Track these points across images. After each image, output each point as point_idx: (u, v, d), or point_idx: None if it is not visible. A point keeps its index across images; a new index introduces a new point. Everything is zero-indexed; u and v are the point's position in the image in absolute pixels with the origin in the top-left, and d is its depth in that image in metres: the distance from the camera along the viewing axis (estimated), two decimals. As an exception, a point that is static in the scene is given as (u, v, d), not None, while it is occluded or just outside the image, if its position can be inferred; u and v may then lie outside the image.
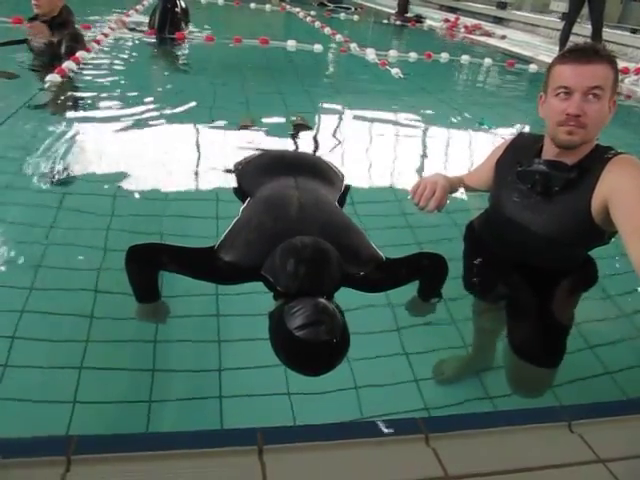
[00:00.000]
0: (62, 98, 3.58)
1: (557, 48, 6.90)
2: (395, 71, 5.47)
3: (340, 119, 3.88)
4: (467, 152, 3.56)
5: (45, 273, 1.86)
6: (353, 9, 11.25)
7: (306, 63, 6.02)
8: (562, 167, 1.42)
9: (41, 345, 1.60)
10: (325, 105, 4.31)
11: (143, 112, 3.48)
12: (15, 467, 0.97)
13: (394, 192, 2.75)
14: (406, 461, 1.08)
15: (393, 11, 10.81)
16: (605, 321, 1.95)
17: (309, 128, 3.23)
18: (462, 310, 1.84)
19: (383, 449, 1.10)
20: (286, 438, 1.10)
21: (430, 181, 1.58)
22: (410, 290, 1.67)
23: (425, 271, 1.62)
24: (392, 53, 6.42)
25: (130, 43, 5.54)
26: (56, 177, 2.49)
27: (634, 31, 8.96)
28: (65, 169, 2.58)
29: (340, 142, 3.37)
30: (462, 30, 9.77)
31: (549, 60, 1.53)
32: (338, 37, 7.15)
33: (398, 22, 10.01)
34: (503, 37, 9.19)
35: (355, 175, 2.72)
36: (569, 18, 7.04)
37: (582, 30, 7.49)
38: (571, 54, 1.36)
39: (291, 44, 6.24)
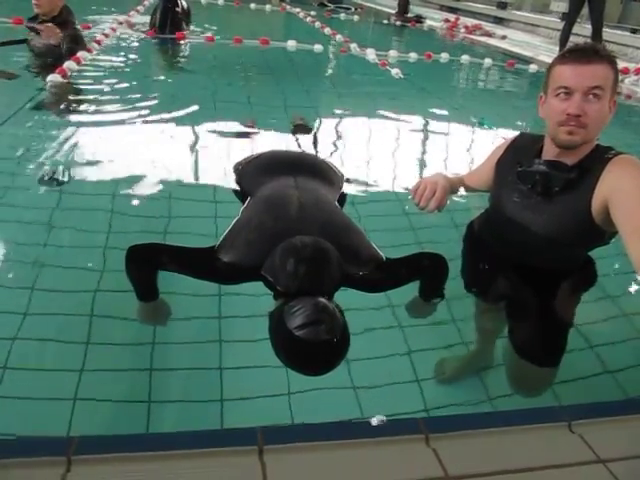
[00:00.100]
0: (63, 98, 3.58)
1: (557, 48, 6.90)
2: (395, 71, 5.47)
3: (340, 119, 3.88)
4: (467, 152, 3.56)
5: (45, 273, 1.86)
6: (353, 9, 11.25)
7: (306, 63, 6.02)
8: (562, 167, 1.42)
9: (41, 345, 1.60)
10: (325, 105, 4.31)
11: (143, 112, 3.48)
12: (15, 467, 0.97)
13: (394, 192, 2.75)
14: (406, 461, 1.09)
15: (393, 11, 10.81)
16: (605, 321, 1.95)
17: (309, 128, 3.24)
18: (462, 310, 1.84)
19: (383, 449, 1.10)
20: (286, 438, 1.11)
21: (430, 181, 1.58)
22: (411, 290, 1.67)
23: (425, 271, 1.62)
24: (392, 53, 6.42)
25: (131, 43, 5.54)
26: (56, 177, 2.49)
27: (634, 31, 8.96)
28: (65, 169, 2.58)
29: (340, 142, 3.37)
30: (462, 30, 9.77)
31: (549, 60, 1.53)
32: (338, 37, 7.15)
33: (398, 22, 10.00)
34: (503, 37, 9.19)
35: (355, 175, 2.73)
36: (569, 18, 7.04)
37: (582, 30, 7.49)
38: (571, 54, 1.36)
39: (291, 44, 6.24)
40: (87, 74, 4.11)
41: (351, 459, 1.08)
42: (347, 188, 2.06)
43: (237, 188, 1.89)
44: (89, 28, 5.56)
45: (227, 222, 1.57)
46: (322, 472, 1.05)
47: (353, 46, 6.56)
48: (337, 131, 3.60)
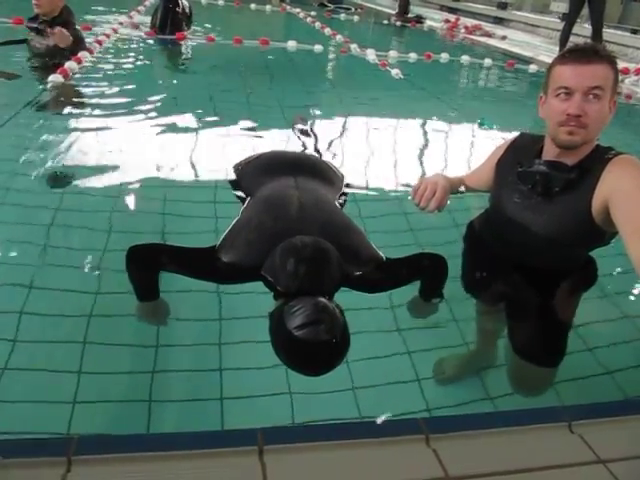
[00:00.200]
0: (64, 99, 3.58)
1: (557, 48, 6.90)
2: (395, 72, 5.47)
3: (340, 119, 3.88)
4: (467, 152, 3.56)
5: (45, 273, 1.86)
6: (353, 10, 11.25)
7: (306, 64, 6.02)
8: (562, 168, 1.42)
9: (41, 346, 1.60)
10: (325, 105, 4.31)
11: (144, 112, 3.49)
12: (16, 468, 0.97)
13: (394, 192, 2.75)
14: (407, 462, 1.08)
15: (393, 12, 10.81)
16: (605, 321, 1.95)
17: (309, 128, 3.23)
18: (463, 309, 1.84)
19: (384, 449, 1.10)
20: (286, 438, 1.11)
21: (431, 181, 1.58)
22: (411, 290, 1.67)
23: (425, 271, 1.62)
24: (392, 54, 6.41)
25: (131, 44, 5.54)
26: (57, 177, 2.49)
27: (634, 31, 8.96)
28: (66, 169, 2.58)
29: (340, 142, 3.37)
30: (462, 31, 9.77)
31: (549, 60, 1.53)
32: (338, 38, 7.15)
33: (398, 23, 10.00)
34: (503, 37, 9.19)
35: (355, 175, 2.73)
36: (569, 18, 7.04)
37: (582, 30, 7.49)
38: (571, 54, 1.37)
39: (291, 45, 6.24)
40: (88, 74, 4.11)
41: (351, 459, 1.08)
42: (347, 188, 2.06)
43: (237, 188, 1.89)
44: (89, 29, 5.55)
45: (227, 222, 1.57)
46: (322, 472, 1.05)
47: (353, 46, 6.56)
48: (337, 131, 3.60)
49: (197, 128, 3.32)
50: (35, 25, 3.71)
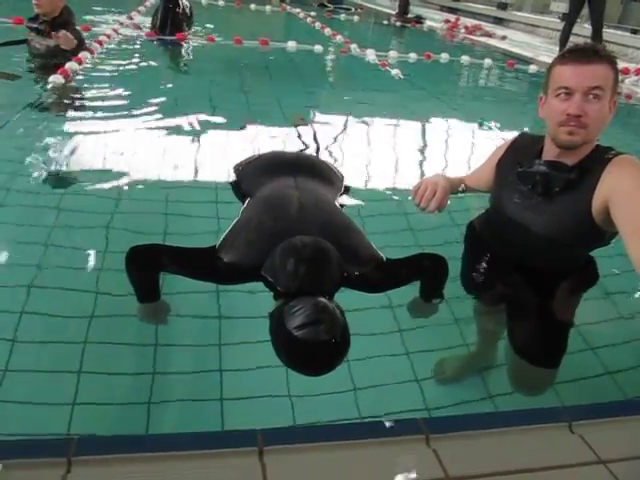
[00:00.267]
0: (64, 99, 3.58)
1: (557, 49, 6.90)
2: (395, 72, 5.47)
3: (340, 120, 3.88)
4: (467, 152, 3.56)
5: (45, 274, 1.86)
6: (353, 10, 11.25)
7: (306, 64, 6.02)
8: (562, 168, 1.42)
9: (41, 346, 1.60)
10: (325, 106, 4.31)
11: (144, 113, 3.49)
12: (16, 468, 0.97)
13: (394, 192, 2.75)
14: (406, 462, 1.08)
15: (393, 12, 10.81)
16: (606, 321, 1.95)
17: (309, 129, 3.23)
18: (463, 310, 1.84)
19: (384, 450, 1.10)
20: (286, 439, 1.10)
21: (431, 182, 1.58)
22: (411, 291, 1.67)
23: (425, 272, 1.62)
24: (392, 54, 6.41)
25: (132, 44, 5.55)
26: (58, 178, 2.49)
27: (634, 31, 8.96)
28: (67, 170, 2.59)
29: (340, 143, 3.37)
30: (462, 31, 9.77)
31: (549, 60, 1.53)
32: (338, 38, 7.15)
33: (398, 23, 10.00)
34: (503, 38, 9.19)
35: (355, 176, 2.73)
36: (569, 19, 7.04)
37: (582, 30, 7.49)
38: (571, 54, 1.36)
39: (291, 45, 6.24)
40: (88, 75, 4.11)
41: (351, 460, 1.08)
42: (347, 189, 2.06)
43: (237, 188, 1.89)
44: (89, 30, 5.56)
45: (227, 222, 1.58)
46: (322, 473, 1.04)
47: (353, 47, 6.56)
48: (337, 132, 3.60)
49: (197, 128, 3.32)
50: (35, 25, 3.71)
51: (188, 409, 1.49)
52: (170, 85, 4.44)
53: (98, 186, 2.48)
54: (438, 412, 1.49)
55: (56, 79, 3.68)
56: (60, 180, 2.49)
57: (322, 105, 4.31)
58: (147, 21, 6.35)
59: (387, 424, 1.16)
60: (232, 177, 1.96)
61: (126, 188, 2.47)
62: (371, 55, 6.22)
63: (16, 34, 4.10)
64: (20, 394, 1.44)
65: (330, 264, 1.33)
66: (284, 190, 1.65)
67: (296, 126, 3.16)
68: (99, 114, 3.38)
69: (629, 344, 1.87)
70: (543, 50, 7.94)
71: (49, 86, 3.62)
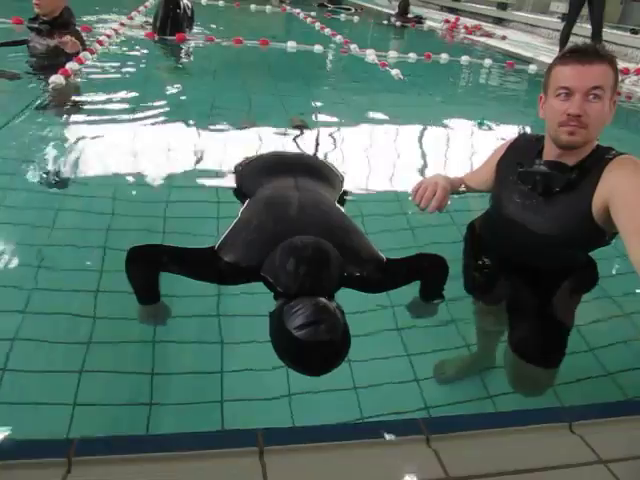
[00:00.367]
0: (65, 99, 3.57)
1: (557, 49, 6.91)
2: (395, 72, 5.47)
3: (340, 120, 3.88)
4: (467, 153, 3.55)
5: (46, 274, 1.86)
6: (353, 10, 11.25)
7: (306, 64, 6.02)
8: (563, 168, 1.42)
9: (41, 346, 1.60)
10: (325, 106, 4.31)
11: (145, 113, 3.48)
12: (16, 469, 0.97)
13: (394, 192, 2.75)
14: (407, 462, 1.08)
15: (393, 12, 10.81)
16: (606, 322, 1.95)
17: (309, 129, 3.24)
18: (463, 310, 1.84)
19: (384, 450, 1.10)
20: (286, 439, 1.11)
21: (431, 182, 1.58)
22: (411, 291, 1.67)
23: (425, 272, 1.62)
24: (392, 54, 6.41)
25: (132, 44, 5.54)
26: (58, 178, 2.49)
27: (634, 31, 8.96)
28: (67, 170, 2.58)
29: (340, 143, 3.37)
30: (462, 31, 9.77)
31: (549, 61, 1.53)
32: (338, 38, 7.15)
33: (398, 23, 10.00)
34: (503, 38, 9.19)
35: (355, 176, 2.72)
36: (569, 19, 7.04)
37: (582, 31, 7.49)
38: (571, 55, 1.36)
39: (291, 45, 6.24)
40: (89, 75, 4.11)
41: (352, 460, 1.08)
42: (347, 189, 2.06)
43: (237, 189, 1.90)
44: (89, 30, 5.56)
45: (227, 222, 1.57)
46: (322, 473, 1.04)
47: (353, 47, 6.56)
48: (337, 132, 3.60)
49: (197, 128, 3.32)
50: (36, 25, 3.71)
51: (188, 409, 1.49)
52: (170, 85, 4.44)
53: (98, 186, 2.48)
54: (438, 412, 1.49)
55: (57, 79, 3.67)
56: (60, 180, 2.49)
57: (322, 105, 4.31)
58: (148, 21, 6.35)
59: (387, 424, 1.16)
60: (232, 177, 1.96)
61: (126, 188, 2.47)
62: (371, 55, 6.22)
63: (16, 34, 4.10)
64: (20, 394, 1.44)
65: (330, 264, 1.33)
66: (284, 191, 1.65)
67: (296, 126, 3.17)
68: (99, 114, 3.38)
69: (629, 344, 1.87)
70: (543, 50, 7.95)
71: (50, 86, 3.61)
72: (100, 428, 1.39)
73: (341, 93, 4.87)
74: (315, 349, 1.16)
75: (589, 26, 7.01)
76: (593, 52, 1.34)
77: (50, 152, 2.74)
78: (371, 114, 4.09)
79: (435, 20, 10.81)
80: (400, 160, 3.26)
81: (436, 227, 2.30)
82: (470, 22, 10.66)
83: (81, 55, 4.10)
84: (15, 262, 1.93)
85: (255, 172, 1.89)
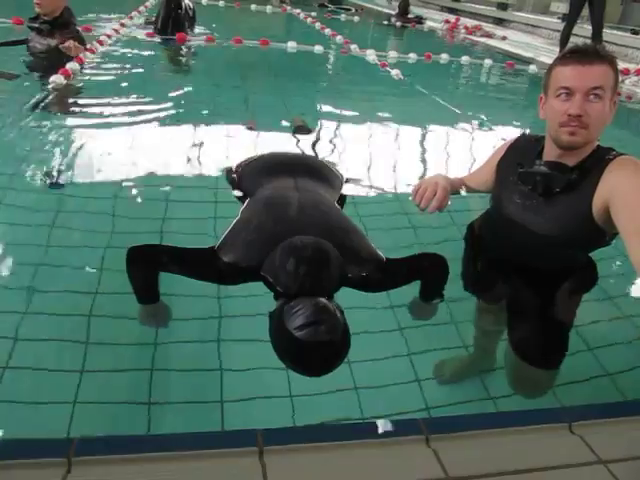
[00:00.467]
0: (65, 99, 3.57)
1: (557, 49, 6.91)
2: (395, 72, 5.47)
3: (340, 120, 3.88)
4: (467, 153, 3.55)
5: (46, 274, 1.86)
6: (354, 10, 11.26)
7: (306, 64, 6.02)
8: (563, 168, 1.42)
9: (41, 346, 1.60)
10: (325, 106, 4.31)
11: (145, 113, 3.49)
12: (16, 469, 0.97)
13: (395, 193, 2.75)
14: (407, 462, 1.08)
15: (393, 12, 10.81)
16: (606, 322, 1.95)
17: (309, 129, 3.24)
18: (463, 311, 1.84)
19: (384, 450, 1.10)
20: (286, 439, 1.11)
21: (431, 182, 1.58)
22: (411, 291, 1.67)
23: (426, 271, 1.62)
24: (392, 54, 6.42)
25: (132, 44, 5.54)
26: (58, 178, 2.49)
27: (634, 32, 8.96)
28: (67, 170, 2.58)
29: (340, 143, 3.37)
30: (462, 31, 9.78)
31: (549, 61, 1.53)
32: (338, 38, 7.15)
33: (398, 23, 10.00)
34: (503, 38, 9.19)
35: (356, 176, 2.73)
36: (569, 19, 7.05)
37: (582, 31, 7.49)
38: (572, 55, 1.36)
39: (292, 45, 6.24)
40: (89, 75, 4.11)
41: (351, 460, 1.08)
42: (347, 189, 2.06)
43: (237, 189, 1.90)
44: (90, 30, 5.56)
45: (227, 223, 1.57)
46: (322, 473, 1.04)
47: (353, 47, 6.57)
48: (337, 132, 3.60)
49: (198, 129, 3.32)
50: (36, 25, 3.71)
51: (188, 409, 1.49)
52: (170, 85, 4.44)
53: (98, 186, 2.48)
54: (438, 412, 1.49)
55: (57, 79, 3.67)
56: (60, 180, 2.49)
57: (322, 105, 4.31)
58: (150, 19, 6.36)
59: (387, 424, 1.16)
60: (232, 177, 1.96)
61: (126, 188, 2.47)
62: (371, 55, 6.22)
63: (16, 34, 4.10)
64: (20, 394, 1.44)
65: (330, 264, 1.33)
66: (284, 191, 1.65)
67: (296, 126, 3.16)
68: (100, 114, 3.38)
69: (629, 345, 1.87)
70: (543, 51, 7.95)
71: (50, 86, 3.61)
72: (100, 427, 1.39)
73: (341, 93, 4.87)
74: (315, 349, 1.15)
75: (589, 27, 7.02)
76: (593, 52, 1.34)
77: (50, 152, 2.74)
78: (371, 114, 4.09)
79: (435, 20, 10.81)
80: (400, 160, 3.26)
81: (436, 227, 2.30)
82: (470, 22, 10.66)
83: (81, 55, 4.10)
84: (15, 262, 1.93)
85: (255, 172, 1.89)
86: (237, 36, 6.07)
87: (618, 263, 2.02)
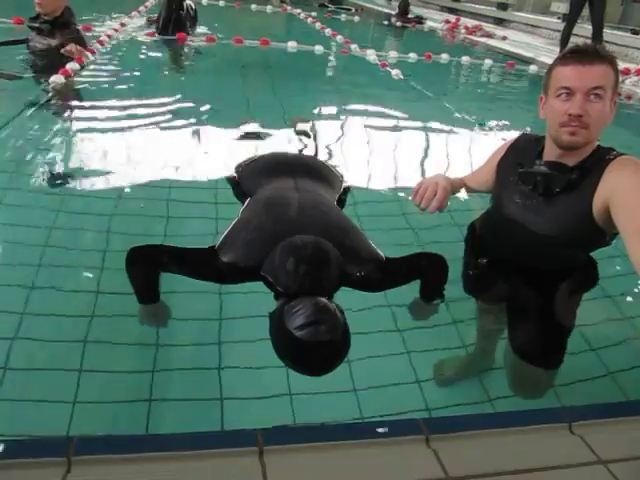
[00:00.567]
0: (65, 99, 3.57)
1: (558, 49, 6.90)
2: (395, 72, 5.47)
3: (340, 120, 3.88)
4: (467, 153, 3.55)
5: (46, 274, 1.86)
6: (354, 10, 11.26)
7: (307, 64, 6.02)
8: (563, 168, 1.42)
9: (41, 346, 1.60)
10: (326, 106, 4.31)
11: (145, 113, 3.49)
12: (16, 468, 0.97)
13: (395, 193, 2.75)
14: (407, 462, 1.08)
15: (393, 12, 10.81)
16: (606, 322, 1.95)
17: (309, 129, 3.23)
18: (463, 311, 1.84)
19: (384, 450, 1.10)
20: (286, 439, 1.10)
21: (431, 182, 1.58)
22: (412, 291, 1.67)
23: (425, 271, 1.62)
24: (392, 54, 6.42)
25: (133, 44, 5.55)
26: (58, 178, 2.49)
27: (635, 32, 8.96)
28: (68, 170, 2.58)
29: (341, 143, 3.37)
30: (463, 31, 9.77)
31: (550, 61, 1.53)
32: (339, 38, 7.15)
33: (399, 23, 10.00)
34: (504, 38, 9.19)
35: (356, 176, 2.73)
36: (570, 19, 7.04)
37: (583, 31, 7.49)
38: (572, 55, 1.36)
39: (292, 45, 6.25)
40: (89, 75, 4.11)
41: (351, 460, 1.08)
42: (347, 189, 2.06)
43: (237, 189, 1.90)
44: (89, 29, 5.56)
45: (227, 223, 1.58)
46: (322, 473, 1.04)
47: (353, 47, 6.57)
48: (338, 132, 3.60)
49: (198, 129, 3.32)
50: (36, 25, 3.71)
51: (188, 409, 1.49)
52: (171, 85, 4.45)
53: (98, 186, 2.48)
54: (438, 412, 1.49)
55: (57, 79, 3.68)
56: (60, 180, 2.49)
57: (322, 105, 4.31)
58: (151, 18, 6.36)
59: (387, 424, 1.16)
60: (232, 178, 1.96)
61: (126, 188, 2.47)
62: (371, 55, 6.22)
63: (17, 34, 4.10)
64: (20, 393, 1.44)
65: (330, 264, 1.33)
66: (284, 191, 1.65)
67: (296, 127, 3.16)
68: (100, 114, 3.38)
69: (629, 345, 1.87)
70: (543, 51, 7.94)
71: (50, 86, 3.61)
72: (100, 427, 1.39)
73: (341, 93, 4.87)
74: (315, 349, 1.16)
75: (590, 27, 7.01)
76: (594, 52, 1.34)
77: (50, 152, 2.74)
78: (371, 114, 4.09)
79: (435, 20, 10.81)
80: (400, 160, 3.26)
81: (436, 227, 2.30)
82: (470, 22, 10.66)
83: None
84: (15, 262, 1.93)
85: (255, 173, 1.89)
86: (237, 36, 6.07)
87: (618, 263, 2.03)
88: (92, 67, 4.30)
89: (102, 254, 1.97)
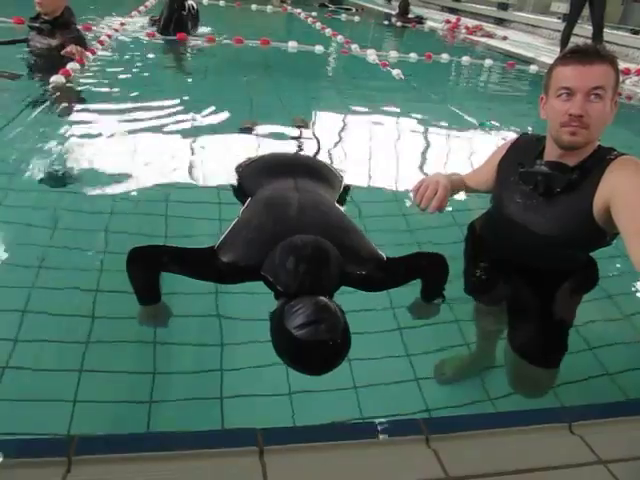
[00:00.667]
0: (66, 99, 3.57)
1: (558, 49, 6.90)
2: (396, 72, 5.47)
3: (341, 120, 3.88)
4: (468, 153, 3.55)
5: (46, 273, 1.86)
6: (354, 10, 11.25)
7: (307, 64, 6.02)
8: (564, 168, 1.42)
9: (42, 345, 1.60)
10: (326, 106, 4.31)
11: (145, 113, 3.48)
12: (16, 467, 0.97)
13: (395, 192, 2.75)
14: (407, 462, 1.08)
15: (394, 12, 10.81)
16: (606, 322, 1.95)
17: (310, 129, 3.23)
18: (464, 310, 1.84)
19: (384, 450, 1.10)
20: (286, 439, 1.11)
21: (432, 181, 1.58)
22: (412, 291, 1.67)
23: (425, 271, 1.62)
24: (393, 54, 6.42)
25: (133, 44, 5.55)
26: (59, 178, 2.49)
27: (635, 32, 8.96)
28: (68, 170, 2.58)
29: (341, 143, 3.37)
30: (463, 31, 9.77)
31: (550, 61, 1.53)
32: (339, 38, 7.15)
33: (399, 23, 10.00)
34: (504, 38, 9.19)
35: (356, 176, 2.73)
36: (570, 19, 7.04)
37: (583, 31, 7.49)
38: (573, 55, 1.36)
39: (292, 45, 6.24)
40: (90, 75, 4.11)
41: (351, 460, 1.08)
42: (347, 189, 2.06)
43: (238, 189, 1.90)
44: (89, 29, 5.56)
45: (227, 223, 1.58)
46: (322, 473, 1.04)
47: (354, 47, 6.56)
48: (338, 132, 3.60)
49: (198, 129, 3.32)
50: (37, 24, 3.71)
51: (188, 408, 1.49)
52: (171, 85, 4.45)
53: (99, 187, 2.48)
54: (438, 412, 1.49)
55: (57, 79, 3.67)
56: (61, 180, 2.49)
57: (323, 105, 4.31)
58: (153, 18, 6.36)
59: (387, 424, 1.16)
60: (232, 178, 1.97)
61: (127, 189, 2.47)
62: (372, 55, 6.22)
63: (17, 33, 4.10)
64: (20, 393, 1.44)
65: (330, 263, 1.33)
66: (284, 191, 1.65)
67: (297, 127, 3.16)
68: (100, 114, 3.38)
69: (629, 345, 1.87)
70: (544, 51, 7.94)
71: (50, 86, 3.61)
72: (100, 426, 1.39)
73: (342, 93, 4.87)
74: (315, 348, 1.16)
75: (590, 27, 7.01)
76: (594, 52, 1.34)
77: (50, 152, 2.74)
78: (372, 114, 4.08)
79: (436, 20, 10.81)
80: (401, 160, 3.26)
81: (437, 227, 2.30)
82: (471, 22, 10.65)
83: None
84: (15, 262, 1.93)
85: (255, 173, 1.89)
86: (238, 36, 6.07)
87: (618, 263, 2.03)
88: (92, 67, 4.30)
89: (102, 254, 1.97)
